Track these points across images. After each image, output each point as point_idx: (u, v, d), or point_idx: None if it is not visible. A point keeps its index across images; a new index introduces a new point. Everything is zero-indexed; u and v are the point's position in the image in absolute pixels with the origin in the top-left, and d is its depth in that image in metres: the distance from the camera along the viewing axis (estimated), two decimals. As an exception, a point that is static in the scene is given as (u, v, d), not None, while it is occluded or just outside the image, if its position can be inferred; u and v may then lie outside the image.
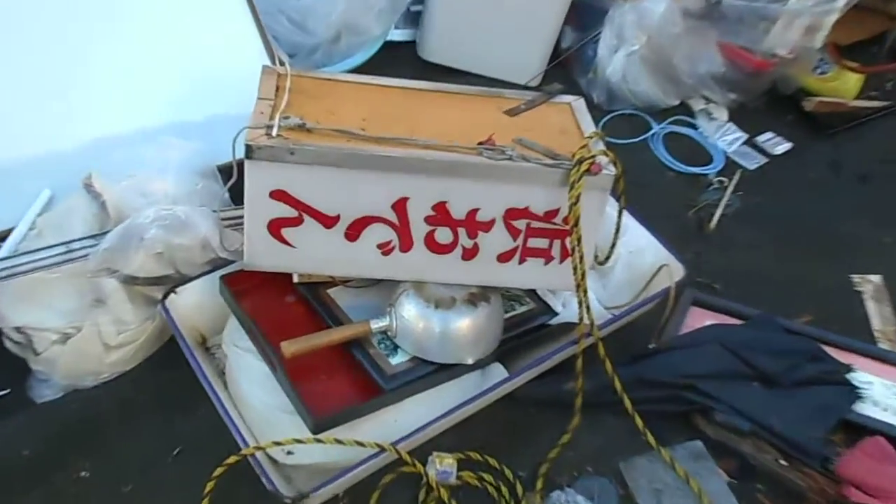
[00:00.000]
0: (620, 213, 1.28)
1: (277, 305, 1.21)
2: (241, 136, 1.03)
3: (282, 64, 1.22)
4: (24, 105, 1.33)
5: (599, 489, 1.15)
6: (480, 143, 1.10)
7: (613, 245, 1.32)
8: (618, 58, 1.85)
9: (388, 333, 1.15)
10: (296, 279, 1.21)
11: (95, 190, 1.24)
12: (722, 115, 1.92)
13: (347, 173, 1.05)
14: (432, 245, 1.14)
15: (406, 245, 1.13)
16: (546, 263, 1.18)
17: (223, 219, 1.22)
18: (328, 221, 1.09)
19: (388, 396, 1.12)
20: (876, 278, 1.55)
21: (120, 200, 1.23)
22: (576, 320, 1.15)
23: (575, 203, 1.08)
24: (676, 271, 1.31)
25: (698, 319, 1.36)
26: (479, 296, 1.16)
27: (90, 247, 1.18)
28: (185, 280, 1.21)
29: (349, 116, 1.12)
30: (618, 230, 1.30)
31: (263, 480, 1.02)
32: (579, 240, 1.09)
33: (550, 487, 1.15)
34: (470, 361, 1.17)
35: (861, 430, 1.22)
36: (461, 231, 1.13)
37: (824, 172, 1.82)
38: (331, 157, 1.04)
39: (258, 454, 1.04)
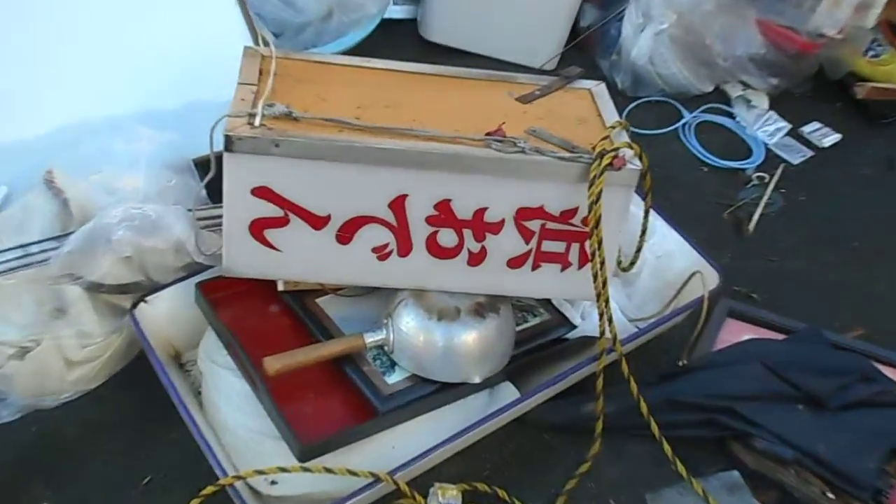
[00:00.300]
0: (647, 212, 1.28)
1: (260, 316, 1.21)
2: (219, 125, 1.03)
3: (266, 44, 1.22)
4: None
5: (623, 525, 1.15)
6: (489, 134, 1.10)
7: (639, 249, 1.32)
8: (644, 37, 1.86)
9: (385, 348, 1.15)
10: (281, 287, 1.21)
11: (57, 186, 1.24)
12: (762, 102, 1.92)
13: (339, 168, 1.06)
14: (434, 249, 1.14)
15: (405, 249, 1.13)
16: (563, 270, 1.18)
17: (199, 219, 1.22)
18: (317, 222, 1.09)
19: (384, 419, 1.11)
20: (936, 287, 1.55)
21: (84, 198, 1.23)
22: (596, 334, 1.15)
23: (595, 201, 1.08)
24: (710, 279, 1.30)
25: (735, 333, 1.36)
26: (486, 306, 1.16)
27: (51, 250, 1.18)
28: (157, 287, 1.21)
29: (342, 104, 1.12)
30: (644, 232, 1.30)
31: (244, 514, 1.02)
32: (600, 243, 1.09)
33: (567, 522, 1.15)
34: (476, 380, 1.17)
35: (919, 458, 1.22)
36: (467, 233, 1.13)
37: (877, 167, 1.82)
38: (321, 149, 1.04)
39: (238, 484, 1.04)
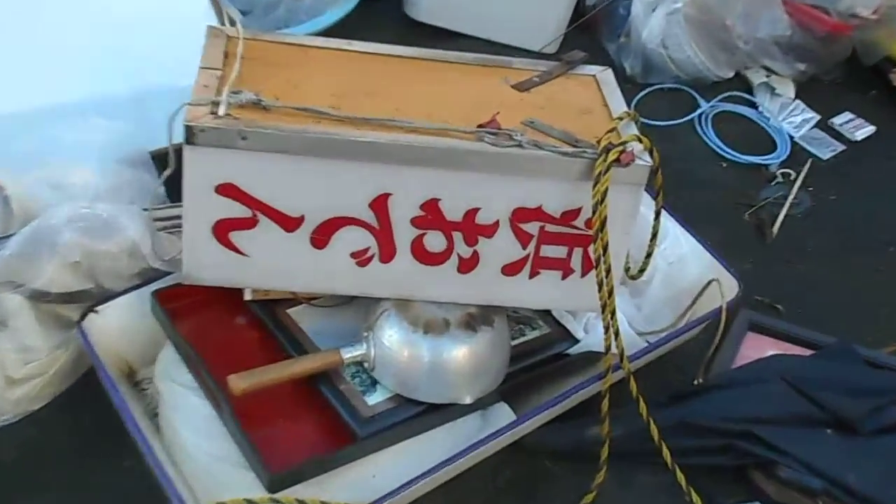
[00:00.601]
0: (658, 213, 1.29)
1: (225, 329, 1.21)
2: (179, 114, 1.03)
3: (232, 24, 1.22)
4: None
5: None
6: (481, 126, 1.10)
7: (649, 255, 1.32)
8: (656, 17, 1.87)
9: (365, 365, 1.15)
10: (248, 296, 1.21)
11: (-4, 182, 1.24)
12: (787, 90, 1.93)
13: (314, 163, 1.06)
14: (420, 254, 1.14)
15: (387, 253, 1.13)
16: (564, 277, 1.18)
17: (156, 219, 1.22)
18: (290, 223, 1.09)
19: (363, 445, 1.11)
20: (982, 297, 1.56)
21: (27, 195, 1.23)
22: (601, 349, 1.15)
23: (600, 201, 1.08)
24: (729, 287, 1.31)
25: (757, 349, 1.37)
26: (478, 318, 1.17)
27: (-12, 253, 1.18)
28: (109, 296, 1.21)
29: (317, 91, 1.12)
30: (655, 236, 1.31)
31: (205, 551, 1.03)
32: (606, 248, 1.10)
33: (569, 560, 1.16)
34: (467, 401, 1.17)
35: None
36: (457, 236, 1.13)
37: (916, 163, 1.83)
38: (293, 142, 1.04)
39: (199, 517, 1.04)
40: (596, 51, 1.93)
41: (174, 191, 1.14)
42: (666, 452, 1.16)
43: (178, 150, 1.05)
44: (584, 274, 1.18)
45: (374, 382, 1.16)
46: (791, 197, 1.70)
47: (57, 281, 1.19)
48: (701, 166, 1.77)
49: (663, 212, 1.29)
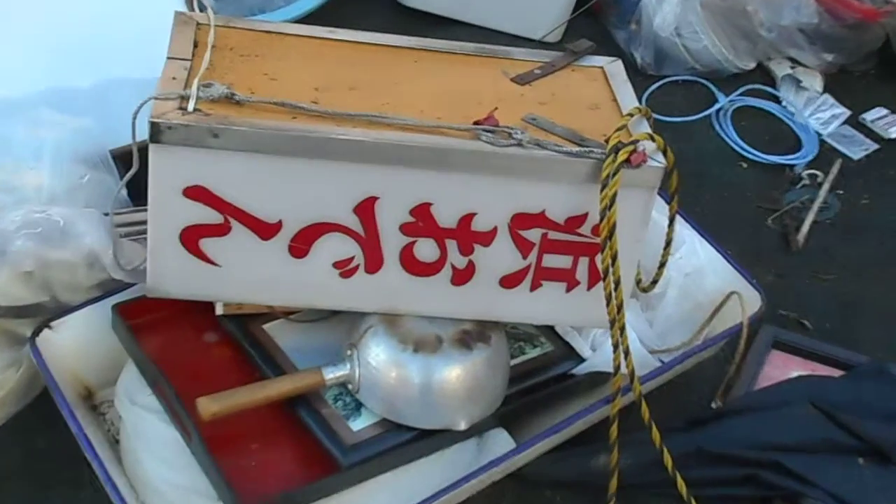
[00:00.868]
0: (672, 219, 1.29)
1: (193, 347, 1.21)
2: (144, 109, 1.03)
3: (202, 9, 1.22)
4: None
5: None
6: (478, 123, 1.10)
7: (663, 265, 1.32)
8: (669, 2, 1.87)
9: (349, 387, 1.16)
10: (219, 310, 1.21)
11: (-61, 184, 1.24)
12: (815, 83, 1.94)
13: (293, 163, 1.06)
14: (410, 264, 1.14)
15: (374, 263, 1.13)
16: (568, 290, 1.19)
17: (118, 225, 1.22)
18: (266, 230, 1.10)
19: (347, 475, 1.11)
20: None
21: (-27, 199, 1.23)
22: (609, 369, 1.15)
23: (609, 206, 1.09)
24: (750, 301, 1.31)
25: (781, 368, 1.37)
26: (474, 335, 1.17)
27: (-69, 263, 1.18)
28: (65, 310, 1.21)
29: (296, 84, 1.13)
30: (668, 244, 1.31)
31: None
32: (615, 257, 1.10)
33: None
34: (462, 427, 1.17)
35: None
36: (450, 245, 1.14)
37: (956, 164, 1.84)
38: (270, 140, 1.04)
39: (164, 556, 1.04)
40: (603, 40, 1.93)
41: (138, 194, 1.14)
42: (681, 483, 1.16)
43: (143, 149, 1.05)
44: (590, 286, 1.18)
45: (359, 406, 1.16)
46: (819, 201, 1.71)
47: (7, 293, 1.19)
48: (719, 167, 1.77)
49: (678, 217, 1.30)
